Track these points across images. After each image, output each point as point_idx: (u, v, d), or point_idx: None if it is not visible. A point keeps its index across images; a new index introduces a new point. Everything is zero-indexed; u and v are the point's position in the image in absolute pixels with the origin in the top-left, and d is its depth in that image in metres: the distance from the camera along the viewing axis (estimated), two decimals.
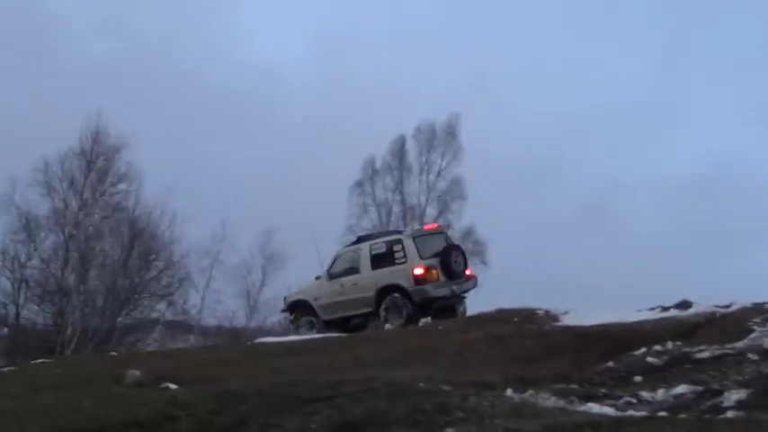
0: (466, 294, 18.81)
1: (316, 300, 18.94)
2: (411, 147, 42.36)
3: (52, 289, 36.56)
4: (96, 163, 38.21)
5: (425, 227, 20.13)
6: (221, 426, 6.85)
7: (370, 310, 18.17)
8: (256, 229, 44.19)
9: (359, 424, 6.53)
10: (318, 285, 19.32)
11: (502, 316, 14.27)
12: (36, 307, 36.92)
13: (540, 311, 14.62)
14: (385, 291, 17.94)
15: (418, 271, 17.55)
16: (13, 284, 36.26)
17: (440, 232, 19.34)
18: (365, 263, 18.31)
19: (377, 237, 19.62)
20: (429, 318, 17.12)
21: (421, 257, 17.70)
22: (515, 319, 13.81)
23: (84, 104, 38.85)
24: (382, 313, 17.90)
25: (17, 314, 35.87)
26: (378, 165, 42.79)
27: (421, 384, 7.64)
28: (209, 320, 39.97)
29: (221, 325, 40.54)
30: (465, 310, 18.99)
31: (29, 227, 36.89)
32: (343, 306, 18.49)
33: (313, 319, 18.95)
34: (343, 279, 18.54)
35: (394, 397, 7.17)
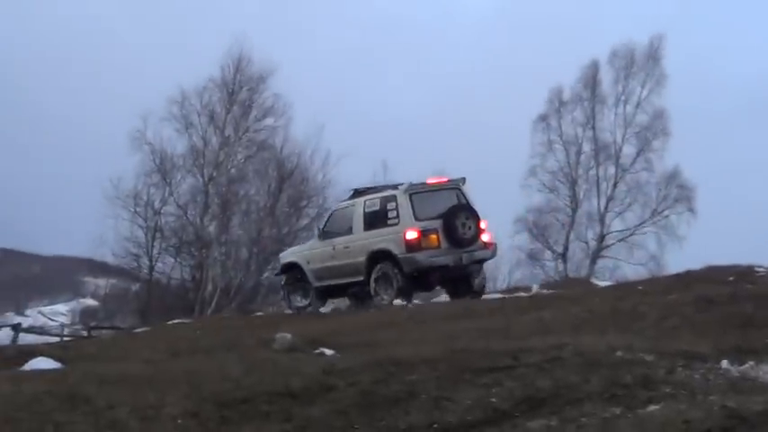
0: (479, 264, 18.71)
1: (308, 263, 19.58)
2: (605, 74, 41.95)
3: (190, 239, 39.47)
4: (239, 94, 40.34)
5: (429, 180, 19.40)
6: (386, 398, 7.42)
7: (360, 278, 18.54)
8: (422, 172, 45.14)
9: (545, 398, 6.86)
10: (311, 247, 20.14)
11: (713, 274, 14.13)
12: (172, 260, 40.13)
13: (761, 269, 14.44)
14: (376, 257, 18.27)
15: (411, 235, 17.75)
16: (146, 234, 39.61)
17: (450, 188, 19.01)
18: (358, 222, 18.80)
19: (374, 191, 19.61)
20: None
21: (417, 219, 17.90)
22: (730, 278, 13.65)
23: (226, 27, 40.97)
24: (372, 284, 18.15)
25: (151, 268, 39.24)
26: (566, 96, 42.37)
27: (618, 354, 7.81)
28: None
29: None
30: (483, 283, 19.12)
31: (163, 168, 39.87)
32: (335, 272, 19.02)
33: (307, 284, 19.61)
34: (336, 240, 19.11)
35: (586, 368, 7.38)
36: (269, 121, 40.49)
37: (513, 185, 41.99)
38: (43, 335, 27.91)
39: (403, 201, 18.02)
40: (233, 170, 39.77)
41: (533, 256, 42.78)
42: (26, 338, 23.03)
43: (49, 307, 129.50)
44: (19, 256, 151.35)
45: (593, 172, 42.27)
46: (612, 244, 41.93)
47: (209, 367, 8.88)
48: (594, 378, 7.08)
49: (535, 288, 19.89)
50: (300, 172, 40.57)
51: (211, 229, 38.86)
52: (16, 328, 24.41)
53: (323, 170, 40.37)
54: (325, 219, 20.49)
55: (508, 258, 43.08)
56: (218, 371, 8.59)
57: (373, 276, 18.07)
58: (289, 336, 11.20)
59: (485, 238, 18.55)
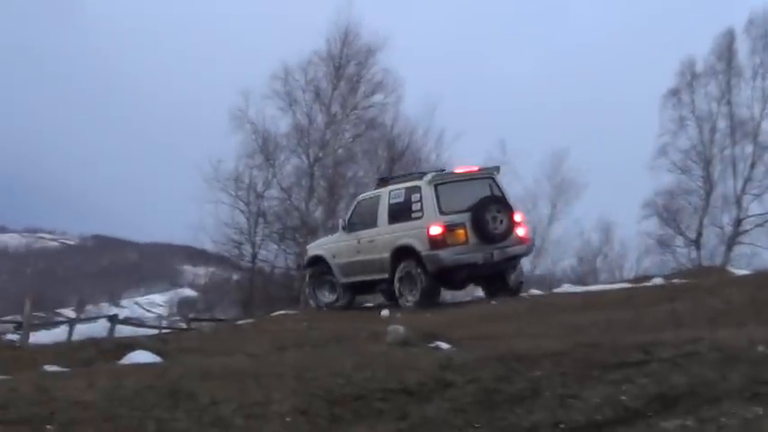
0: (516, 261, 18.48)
1: (334, 257, 19.68)
2: (741, 44, 41.66)
3: (295, 225, 40.16)
4: (346, 69, 40.79)
5: (457, 169, 19.27)
6: (507, 395, 7.47)
7: (385, 276, 18.55)
8: (543, 151, 44.77)
9: (680, 396, 6.78)
10: (337, 239, 20.11)
11: None
12: (276, 247, 40.90)
13: None
14: (400, 253, 18.24)
15: (435, 230, 17.73)
16: (248, 219, 40.53)
17: (482, 178, 18.95)
18: (383, 214, 18.84)
19: (400, 180, 19.63)
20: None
21: (442, 212, 17.87)
22: None
23: None
24: (396, 283, 18.09)
25: (253, 256, 40.12)
26: (699, 68, 41.87)
27: (760, 348, 7.66)
28: None
29: None
30: (520, 280, 18.92)
31: (266, 148, 40.67)
32: (360, 268, 19.11)
33: (333, 280, 19.73)
34: (361, 233, 19.26)
35: (724, 364, 7.28)
36: (378, 97, 40.92)
37: (641, 166, 41.37)
38: (140, 327, 28.82)
39: (427, 192, 18.02)
40: (340, 150, 40.21)
41: (663, 243, 42.20)
42: (122, 330, 23.83)
43: (145, 297, 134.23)
44: (114, 243, 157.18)
45: (728, 151, 41.52)
46: (750, 229, 41.02)
47: (318, 361, 9.08)
48: (734, 375, 7.00)
49: (658, 281, 19.53)
50: (412, 152, 40.86)
51: (317, 213, 39.40)
52: (113, 319, 25.32)
53: (436, 150, 40.69)
54: (351, 209, 20.52)
55: (636, 245, 42.51)
56: (328, 365, 8.78)
57: (397, 275, 18.17)
58: (401, 328, 11.33)
59: (520, 232, 18.57)
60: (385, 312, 16.63)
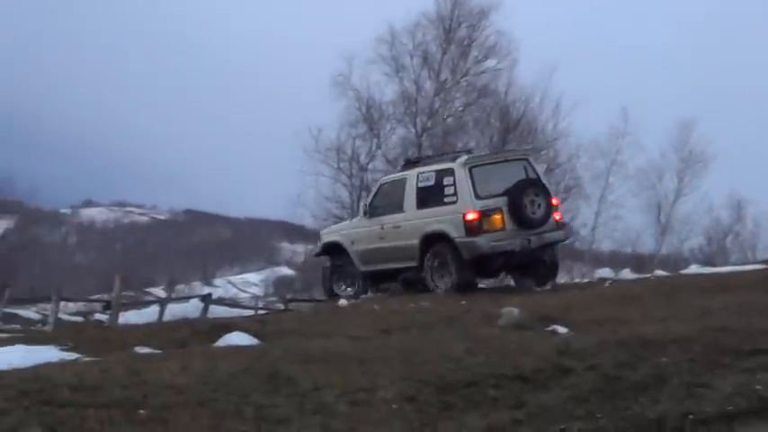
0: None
1: (352, 244, 19.52)
2: None
3: None
4: (457, 32, 40.48)
5: (494, 152, 19.64)
6: (631, 383, 7.41)
7: (413, 264, 18.41)
8: (669, 121, 43.85)
9: None
10: (356, 225, 20.00)
11: None
12: None
13: None
14: (430, 240, 18.13)
15: (471, 216, 17.74)
16: (350, 193, 40.71)
17: (518, 159, 19.14)
18: (410, 199, 18.78)
19: (429, 162, 19.44)
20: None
21: (478, 196, 17.90)
22: None
23: None
24: (428, 271, 17.98)
25: None
26: None
27: None
28: (605, 243, 41.04)
29: (620, 250, 41.43)
30: (556, 263, 19.09)
31: (371, 117, 40.74)
32: (383, 255, 18.96)
33: (352, 268, 19.53)
34: (385, 219, 19.17)
35: None
36: (491, 62, 40.56)
37: None
38: (235, 307, 29.31)
39: (462, 175, 18.06)
40: (450, 119, 40.04)
41: None
42: (216, 311, 24.27)
43: (239, 276, 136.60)
44: (207, 218, 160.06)
45: None
46: None
47: (427, 345, 9.14)
48: None
49: None
50: (527, 121, 40.49)
51: None
52: (206, 299, 25.80)
53: (554, 119, 40.25)
54: (372, 192, 20.50)
55: None
56: (437, 349, 8.83)
57: (427, 263, 18.18)
58: (516, 310, 11.33)
59: (557, 217, 18.71)
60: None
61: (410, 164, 20.25)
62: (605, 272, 24.67)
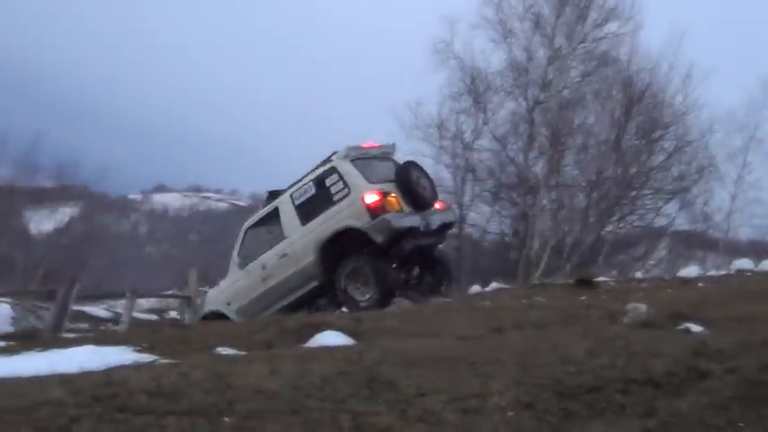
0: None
1: (230, 305, 19.95)
2: None
3: (511, 182, 40.00)
4: None
5: (364, 145, 20.14)
6: None
7: (315, 283, 19.08)
8: None
9: None
10: (228, 284, 20.40)
11: None
12: (488, 208, 40.88)
13: None
14: (331, 245, 18.95)
15: (371, 198, 18.73)
16: (454, 175, 40.67)
17: (384, 156, 20.63)
18: (291, 220, 19.59)
19: (294, 183, 20.08)
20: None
21: (370, 181, 19.14)
22: None
23: None
24: (341, 282, 18.45)
25: (461, 219, 40.17)
26: None
27: None
28: (743, 231, 40.23)
29: (761, 238, 40.54)
30: (448, 265, 20.91)
31: (476, 89, 40.54)
32: (275, 294, 19.45)
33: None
34: (265, 257, 19.70)
35: None
36: (612, 26, 39.93)
37: None
38: None
39: (347, 167, 19.16)
40: (565, 91, 39.60)
41: None
42: None
43: None
44: None
45: None
46: None
47: (544, 346, 9.13)
48: None
49: None
50: (653, 93, 39.85)
51: (538, 167, 39.05)
52: None
53: (683, 90, 39.39)
54: (239, 241, 20.97)
55: None
56: (555, 350, 8.82)
57: (341, 273, 18.71)
58: (643, 307, 11.24)
59: (438, 204, 20.18)
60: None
61: (274, 194, 20.99)
62: (743, 263, 24.33)
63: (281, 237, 19.85)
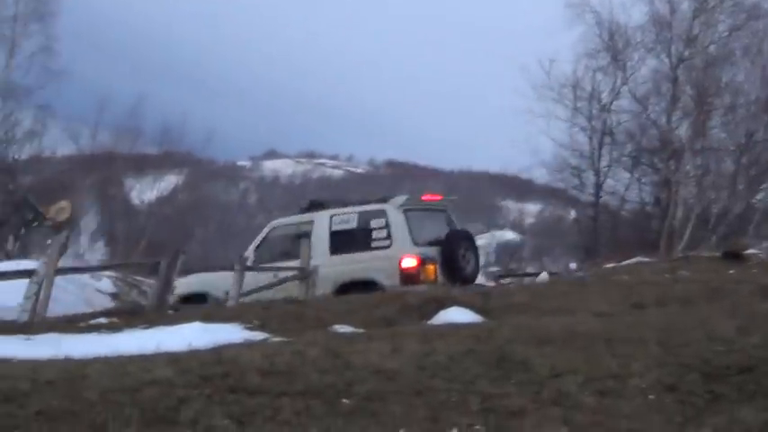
0: None
1: (227, 293, 18.83)
2: None
3: (652, 146, 39.41)
4: None
5: (425, 197, 19.96)
6: None
7: None
8: None
9: None
10: (236, 274, 19.07)
11: None
12: (627, 175, 40.39)
13: None
14: (348, 289, 18.22)
15: (408, 262, 18.52)
16: (590, 138, 40.26)
17: (441, 209, 20.42)
18: (321, 243, 19.53)
19: (340, 205, 19.91)
20: None
21: (416, 243, 18.87)
22: None
23: None
24: None
25: (597, 187, 39.88)
26: None
27: None
28: None
29: None
30: None
31: (614, 45, 39.98)
32: None
33: None
34: (280, 265, 19.54)
35: None
36: None
37: None
38: None
39: (397, 218, 19.03)
40: (712, 47, 38.80)
41: None
42: None
43: None
44: (413, 171, 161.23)
45: None
46: None
47: (689, 323, 9.06)
48: None
49: None
50: None
51: (682, 131, 38.40)
52: None
53: None
54: (261, 236, 20.93)
55: None
56: (702, 328, 8.74)
57: None
58: None
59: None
60: None
61: (315, 206, 20.82)
62: None
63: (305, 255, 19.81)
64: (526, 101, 39.31)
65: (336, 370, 7.57)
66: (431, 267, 18.90)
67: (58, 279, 16.10)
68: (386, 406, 6.87)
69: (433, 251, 19.16)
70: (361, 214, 19.74)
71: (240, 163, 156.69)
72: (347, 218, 19.85)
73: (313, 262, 19.24)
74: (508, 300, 12.94)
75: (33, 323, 13.52)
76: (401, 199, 19.79)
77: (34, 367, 7.60)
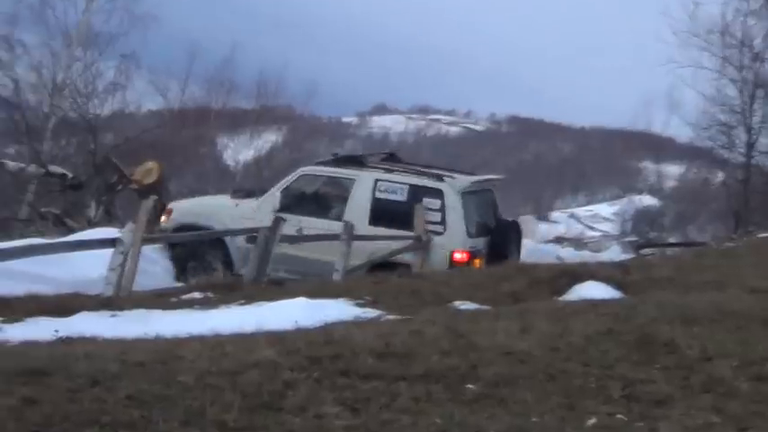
0: None
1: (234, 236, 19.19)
2: None
3: None
4: None
5: (476, 177, 20.14)
6: None
7: None
8: None
9: None
10: (248, 211, 19.77)
11: None
12: None
13: None
14: (381, 269, 18.20)
15: (459, 256, 18.73)
16: (741, 91, 39.57)
17: (490, 190, 21.03)
18: (360, 208, 19.07)
19: (390, 168, 19.65)
20: None
21: (468, 234, 19.12)
22: None
23: None
24: None
25: (749, 145, 39.23)
26: None
27: None
28: None
29: None
30: None
31: None
32: (289, 266, 18.64)
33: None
34: (305, 221, 19.62)
35: None
36: None
37: None
38: (582, 250, 29.52)
39: (454, 201, 18.98)
40: None
41: None
42: (556, 253, 24.62)
43: (586, 208, 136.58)
44: (540, 129, 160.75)
45: None
46: None
47: None
48: None
49: None
50: None
51: None
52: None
53: None
54: (289, 179, 20.68)
55: None
56: None
57: None
58: None
59: None
60: None
61: (360, 161, 20.62)
62: None
63: (338, 214, 19.71)
64: (667, 50, 38.78)
65: (459, 351, 7.57)
66: (477, 261, 19.13)
67: (146, 249, 16.29)
68: (515, 392, 6.81)
69: (481, 242, 19.46)
70: (412, 188, 19.58)
71: (345, 119, 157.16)
72: (396, 188, 19.68)
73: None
74: (650, 273, 12.85)
75: (119, 298, 13.73)
76: (462, 181, 19.89)
77: (122, 347, 7.72)
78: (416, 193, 19.43)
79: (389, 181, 19.73)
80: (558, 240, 43.16)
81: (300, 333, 8.36)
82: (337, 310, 11.13)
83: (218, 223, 20.15)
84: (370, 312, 11.15)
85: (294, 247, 19.21)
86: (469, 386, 6.90)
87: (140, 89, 47.03)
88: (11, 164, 33.28)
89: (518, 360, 7.40)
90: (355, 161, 20.78)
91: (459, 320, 8.96)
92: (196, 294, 14.23)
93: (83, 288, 14.51)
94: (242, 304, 12.40)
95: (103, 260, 14.78)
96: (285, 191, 20.43)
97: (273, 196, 20.34)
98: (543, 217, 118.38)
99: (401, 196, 19.54)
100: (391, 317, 10.40)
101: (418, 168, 21.01)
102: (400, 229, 19.29)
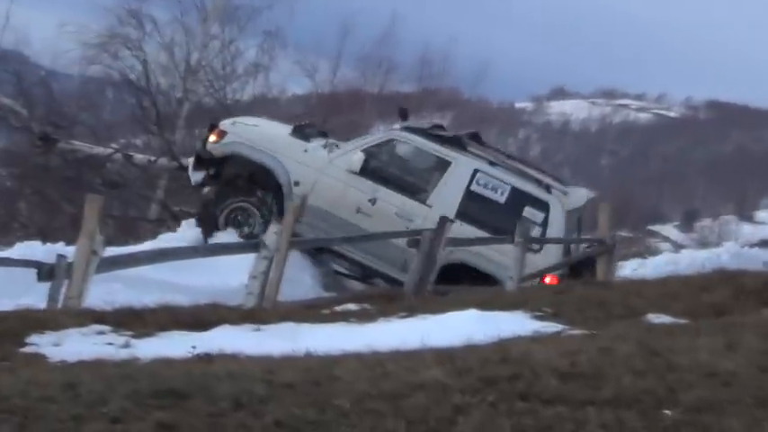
0: None
1: (297, 184, 18.87)
2: None
3: None
4: None
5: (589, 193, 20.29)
6: None
7: (397, 276, 18.94)
8: None
9: None
10: (321, 162, 19.16)
11: None
12: None
13: None
14: (453, 271, 18.34)
15: (548, 280, 18.83)
16: None
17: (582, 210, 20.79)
18: (449, 196, 19.29)
19: (493, 161, 19.87)
20: None
21: (565, 253, 19.72)
22: None
23: None
24: None
25: None
26: None
27: None
28: None
29: None
30: None
31: None
32: (342, 231, 18.58)
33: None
34: (383, 192, 19.36)
35: None
36: None
37: None
38: None
39: (559, 219, 19.01)
40: None
41: None
42: (763, 259, 24.39)
43: None
44: (745, 116, 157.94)
45: None
46: None
47: None
48: None
49: None
50: None
51: None
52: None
53: None
54: (376, 140, 20.47)
55: None
56: None
57: None
58: None
59: None
60: None
61: (460, 142, 20.14)
62: None
63: (422, 195, 19.71)
64: None
65: (655, 372, 7.54)
66: (554, 278, 19.18)
67: (294, 254, 16.38)
68: (720, 419, 6.76)
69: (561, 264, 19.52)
70: (515, 192, 19.36)
71: (519, 104, 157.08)
72: (496, 185, 19.46)
73: (428, 211, 19.22)
74: None
75: (263, 309, 13.82)
76: (576, 196, 20.03)
77: (269, 366, 7.80)
78: (518, 198, 19.30)
79: (491, 175, 19.57)
80: (765, 244, 42.46)
81: (472, 350, 8.38)
82: (513, 323, 11.11)
83: (281, 169, 19.62)
84: (552, 326, 11.12)
85: (354, 211, 19.43)
86: (666, 412, 6.88)
87: (285, 70, 46.57)
88: (139, 156, 33.81)
89: (723, 382, 7.34)
90: (456, 141, 20.39)
91: (653, 336, 8.93)
92: (351, 306, 14.28)
93: (221, 298, 14.58)
94: (403, 317, 12.45)
95: (244, 267, 14.89)
96: (368, 151, 20.04)
97: (354, 154, 19.89)
98: (747, 217, 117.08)
99: (500, 196, 19.41)
100: (576, 332, 10.39)
101: (523, 168, 20.65)
102: (489, 232, 19.20)
